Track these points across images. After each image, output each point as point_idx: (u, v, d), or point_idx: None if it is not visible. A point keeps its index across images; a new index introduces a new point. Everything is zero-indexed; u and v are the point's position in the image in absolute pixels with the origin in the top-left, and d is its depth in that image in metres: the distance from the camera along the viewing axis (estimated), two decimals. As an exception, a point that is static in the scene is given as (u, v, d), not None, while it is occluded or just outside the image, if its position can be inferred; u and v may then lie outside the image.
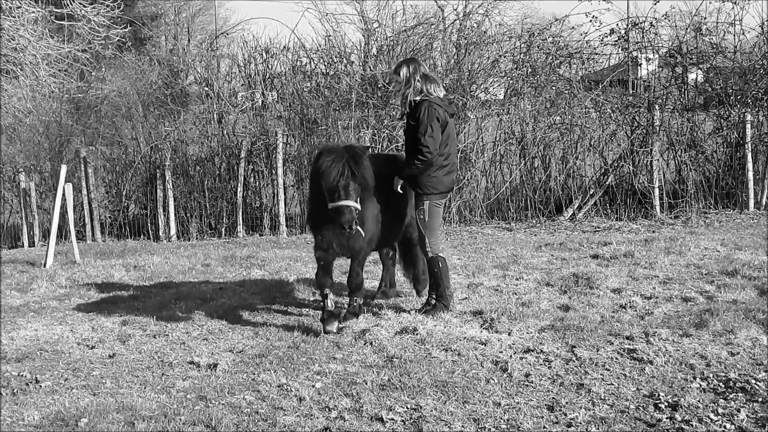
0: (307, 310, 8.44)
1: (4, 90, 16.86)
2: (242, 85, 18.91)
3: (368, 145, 13.71)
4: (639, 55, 16.96)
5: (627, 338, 6.79)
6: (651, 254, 10.36)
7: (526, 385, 5.88)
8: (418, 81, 7.64)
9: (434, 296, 7.95)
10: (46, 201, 17.53)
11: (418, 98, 7.61)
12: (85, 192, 16.91)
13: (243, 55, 18.78)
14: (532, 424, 5.22)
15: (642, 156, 15.16)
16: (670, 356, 6.29)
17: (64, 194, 12.69)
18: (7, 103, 17.61)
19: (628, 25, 16.34)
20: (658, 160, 15.04)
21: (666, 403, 5.40)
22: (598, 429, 5.09)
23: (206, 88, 18.57)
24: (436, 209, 7.76)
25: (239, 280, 10.36)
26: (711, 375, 5.89)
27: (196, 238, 16.28)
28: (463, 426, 5.23)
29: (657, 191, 14.84)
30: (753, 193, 14.81)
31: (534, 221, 14.95)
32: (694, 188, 14.91)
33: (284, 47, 17.89)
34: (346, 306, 7.91)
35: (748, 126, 14.83)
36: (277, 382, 6.10)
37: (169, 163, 16.55)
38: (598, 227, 14.06)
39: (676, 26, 16.88)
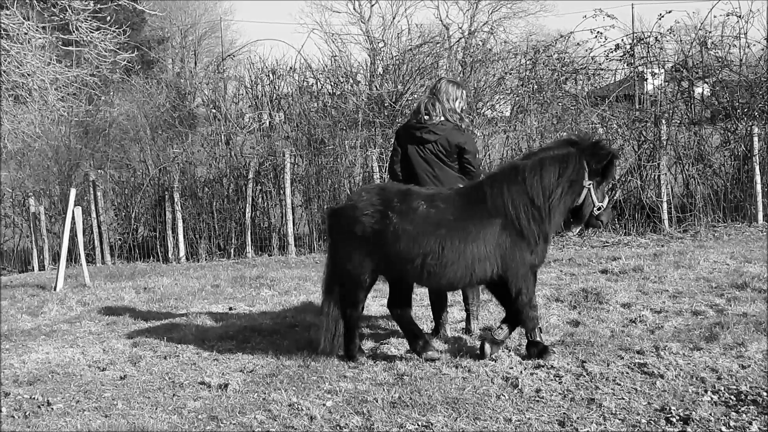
0: (316, 328, 8.44)
1: (10, 114, 16.98)
2: (249, 106, 19.04)
3: None
4: (645, 70, 16.97)
5: (637, 352, 6.77)
6: (660, 268, 10.34)
7: (537, 401, 5.87)
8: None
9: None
10: (56, 225, 17.63)
11: None
12: (94, 215, 17.00)
13: (250, 76, 18.93)
14: (543, 439, 5.22)
15: (649, 170, 15.14)
16: (680, 370, 6.27)
17: (73, 218, 12.76)
18: (16, 128, 17.75)
19: (633, 41, 16.37)
20: (666, 174, 15.01)
21: (677, 417, 5.38)
22: (609, 444, 5.09)
23: (214, 110, 18.70)
24: None
25: (249, 300, 10.38)
26: (722, 388, 5.86)
27: (206, 259, 16.32)
28: (474, 442, 5.23)
29: (665, 205, 14.80)
30: (762, 206, 14.75)
31: (542, 237, 14.90)
32: (703, 202, 14.86)
33: (291, 68, 18.03)
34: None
35: (756, 139, 14.80)
36: (287, 401, 6.10)
37: (178, 185, 16.64)
38: (607, 242, 14.04)
39: (681, 41, 16.89)
